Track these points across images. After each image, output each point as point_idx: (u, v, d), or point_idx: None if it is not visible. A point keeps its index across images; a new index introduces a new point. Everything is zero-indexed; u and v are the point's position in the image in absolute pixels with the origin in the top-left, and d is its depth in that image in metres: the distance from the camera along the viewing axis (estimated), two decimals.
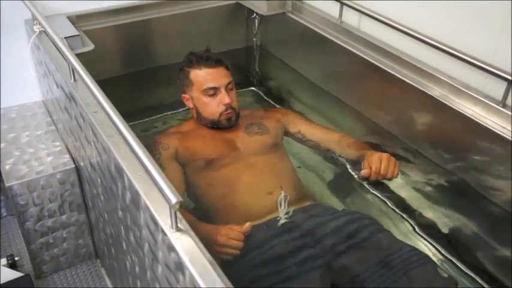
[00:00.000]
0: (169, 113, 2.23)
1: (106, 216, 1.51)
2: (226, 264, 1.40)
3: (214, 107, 1.72)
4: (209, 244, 1.30)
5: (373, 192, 1.80)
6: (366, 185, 1.82)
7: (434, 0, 1.58)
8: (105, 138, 1.24)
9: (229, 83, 1.73)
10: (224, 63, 1.76)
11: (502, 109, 1.43)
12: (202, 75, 1.72)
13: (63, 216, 1.82)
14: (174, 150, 1.68)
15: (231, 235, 1.34)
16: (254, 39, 2.40)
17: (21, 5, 1.75)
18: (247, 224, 1.35)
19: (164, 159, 1.65)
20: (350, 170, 1.89)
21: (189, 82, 1.75)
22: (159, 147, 1.68)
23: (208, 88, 1.71)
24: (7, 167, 1.74)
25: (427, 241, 1.62)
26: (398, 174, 1.57)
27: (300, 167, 1.87)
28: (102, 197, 1.48)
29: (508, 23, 1.37)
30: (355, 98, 1.95)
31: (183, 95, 1.80)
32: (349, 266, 1.34)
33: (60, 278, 1.91)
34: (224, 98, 1.70)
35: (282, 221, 1.45)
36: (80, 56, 1.47)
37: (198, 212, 1.53)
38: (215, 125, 1.75)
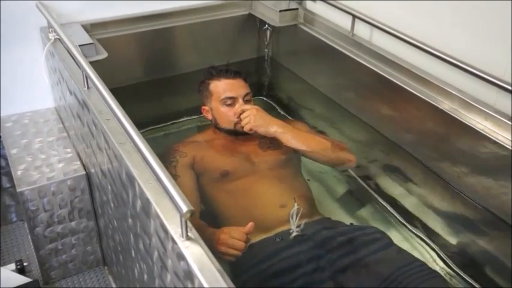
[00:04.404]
0: (182, 120, 2.25)
1: (115, 223, 1.52)
2: (237, 274, 1.42)
3: (231, 116, 1.75)
4: (212, 245, 1.32)
5: (384, 206, 1.80)
6: (377, 199, 1.82)
7: (447, 15, 1.59)
8: (117, 146, 1.24)
9: (246, 94, 1.78)
10: (243, 75, 1.82)
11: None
12: (221, 86, 1.78)
13: (73, 223, 1.82)
14: (192, 158, 1.71)
15: (234, 234, 1.34)
16: (266, 50, 2.41)
17: (37, 13, 1.78)
18: (250, 224, 1.35)
19: (181, 167, 1.67)
20: (361, 183, 1.89)
21: (208, 93, 1.81)
22: (177, 154, 1.71)
23: (226, 98, 1.75)
24: (19, 172, 1.75)
25: (438, 256, 1.62)
26: (250, 129, 1.70)
27: (309, 180, 1.87)
28: (112, 204, 1.48)
29: None
30: (366, 110, 1.96)
31: (203, 107, 1.84)
32: (358, 280, 1.34)
33: (68, 284, 1.92)
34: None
35: (294, 234, 1.45)
36: (93, 64, 1.49)
37: (210, 221, 1.53)
38: (232, 133, 1.78)
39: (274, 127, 1.71)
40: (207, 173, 1.68)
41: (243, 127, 1.72)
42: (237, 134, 1.78)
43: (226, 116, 1.76)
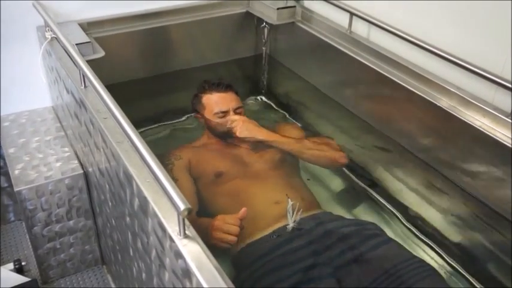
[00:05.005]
0: (179, 120, 2.25)
1: (113, 222, 1.52)
2: (236, 272, 1.44)
3: (223, 127, 1.80)
4: (207, 234, 1.36)
5: (383, 203, 1.80)
6: (375, 196, 1.82)
7: (445, 12, 1.59)
8: (115, 145, 1.24)
9: (238, 108, 1.84)
10: (234, 89, 1.89)
11: (511, 121, 1.42)
12: (213, 99, 1.84)
13: (71, 222, 1.82)
14: (187, 161, 1.75)
15: (228, 220, 1.37)
16: (263, 48, 2.40)
17: (33, 12, 1.77)
18: (243, 209, 1.38)
19: (177, 169, 1.71)
20: (359, 182, 1.89)
21: (201, 106, 1.87)
22: (173, 158, 1.75)
23: (218, 111, 1.81)
24: (16, 171, 1.75)
25: (435, 252, 1.62)
26: (241, 135, 1.74)
27: (309, 179, 1.88)
28: (110, 203, 1.48)
29: None
30: (364, 108, 1.95)
31: (196, 115, 1.92)
32: (357, 275, 1.34)
33: (66, 283, 1.91)
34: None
35: (291, 226, 1.46)
36: (90, 63, 1.48)
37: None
38: (226, 136, 1.81)
39: (259, 139, 1.76)
40: (202, 176, 1.72)
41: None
42: (231, 137, 1.80)
43: (219, 126, 1.82)
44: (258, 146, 1.79)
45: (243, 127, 1.74)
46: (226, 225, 1.36)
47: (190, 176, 1.72)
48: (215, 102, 1.83)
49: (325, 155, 1.78)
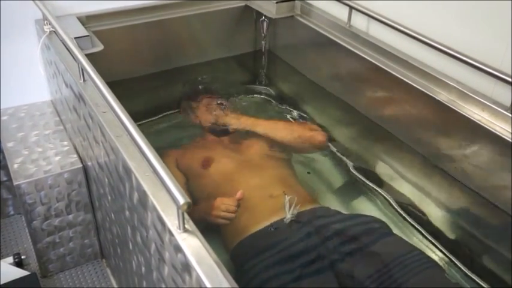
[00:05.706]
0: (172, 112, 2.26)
1: (113, 216, 1.52)
2: (236, 265, 1.45)
3: (208, 116, 1.93)
4: (207, 213, 1.48)
5: (383, 197, 1.80)
6: (376, 189, 1.82)
7: (443, 5, 1.58)
8: (114, 139, 1.24)
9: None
10: (214, 91, 2.06)
11: (510, 115, 1.42)
12: (199, 102, 2.01)
13: (70, 216, 1.82)
14: (174, 158, 1.81)
15: (225, 200, 1.49)
16: (263, 42, 2.39)
17: (31, 5, 1.76)
18: (240, 192, 1.49)
19: (166, 165, 1.71)
20: (359, 174, 1.89)
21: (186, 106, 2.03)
22: (163, 157, 1.74)
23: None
24: (15, 165, 1.75)
25: (435, 246, 1.62)
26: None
27: (309, 172, 1.88)
28: (109, 197, 1.48)
29: None
30: (363, 102, 1.95)
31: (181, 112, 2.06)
32: (356, 268, 1.34)
33: (66, 277, 1.92)
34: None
35: (288, 219, 1.48)
36: (89, 56, 1.48)
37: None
38: (215, 132, 1.90)
39: (237, 127, 1.89)
40: (190, 169, 1.75)
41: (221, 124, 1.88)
42: (220, 134, 1.89)
43: (204, 116, 1.93)
44: (246, 138, 1.85)
45: (224, 116, 1.89)
46: (224, 204, 1.48)
47: (180, 171, 1.76)
48: (200, 101, 1.98)
49: (300, 133, 1.86)
